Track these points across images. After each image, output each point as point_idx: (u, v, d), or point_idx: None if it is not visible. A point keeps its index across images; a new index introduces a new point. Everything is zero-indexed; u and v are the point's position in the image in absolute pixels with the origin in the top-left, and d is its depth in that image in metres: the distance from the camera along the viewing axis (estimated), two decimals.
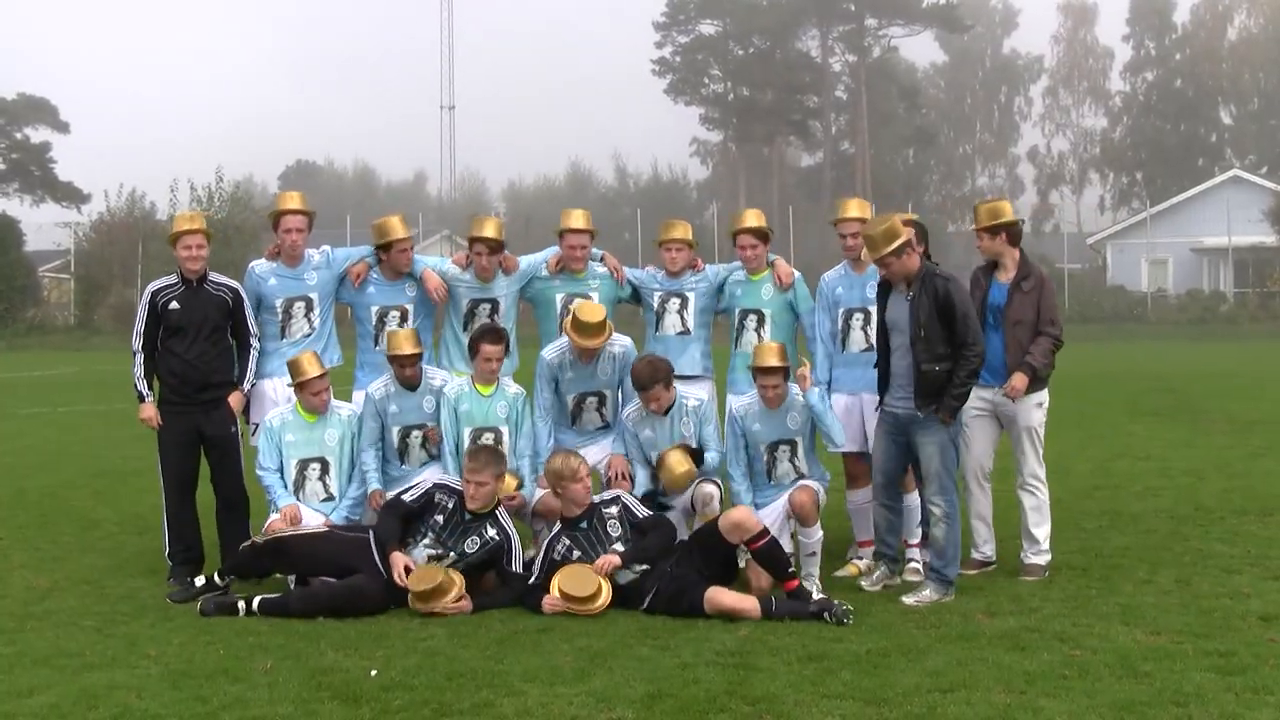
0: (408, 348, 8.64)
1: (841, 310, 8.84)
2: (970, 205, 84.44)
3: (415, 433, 8.78)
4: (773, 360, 8.40)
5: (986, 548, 8.69)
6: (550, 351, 8.85)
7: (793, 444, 8.52)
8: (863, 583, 8.24)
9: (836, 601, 7.46)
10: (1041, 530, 8.58)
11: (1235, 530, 9.85)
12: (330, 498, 8.68)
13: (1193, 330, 46.53)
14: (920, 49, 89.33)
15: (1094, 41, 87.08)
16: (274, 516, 8.43)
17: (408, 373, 8.67)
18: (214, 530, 8.95)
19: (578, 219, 9.21)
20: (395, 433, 8.78)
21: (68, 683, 6.32)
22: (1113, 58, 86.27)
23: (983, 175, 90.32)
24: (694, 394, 8.83)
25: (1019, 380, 8.38)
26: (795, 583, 7.77)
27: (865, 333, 8.72)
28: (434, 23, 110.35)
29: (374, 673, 6.39)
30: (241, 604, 7.67)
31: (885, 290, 8.12)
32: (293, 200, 9.21)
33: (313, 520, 8.40)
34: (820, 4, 75.67)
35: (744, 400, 8.67)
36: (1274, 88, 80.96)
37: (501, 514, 8.15)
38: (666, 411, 8.58)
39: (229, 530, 8.89)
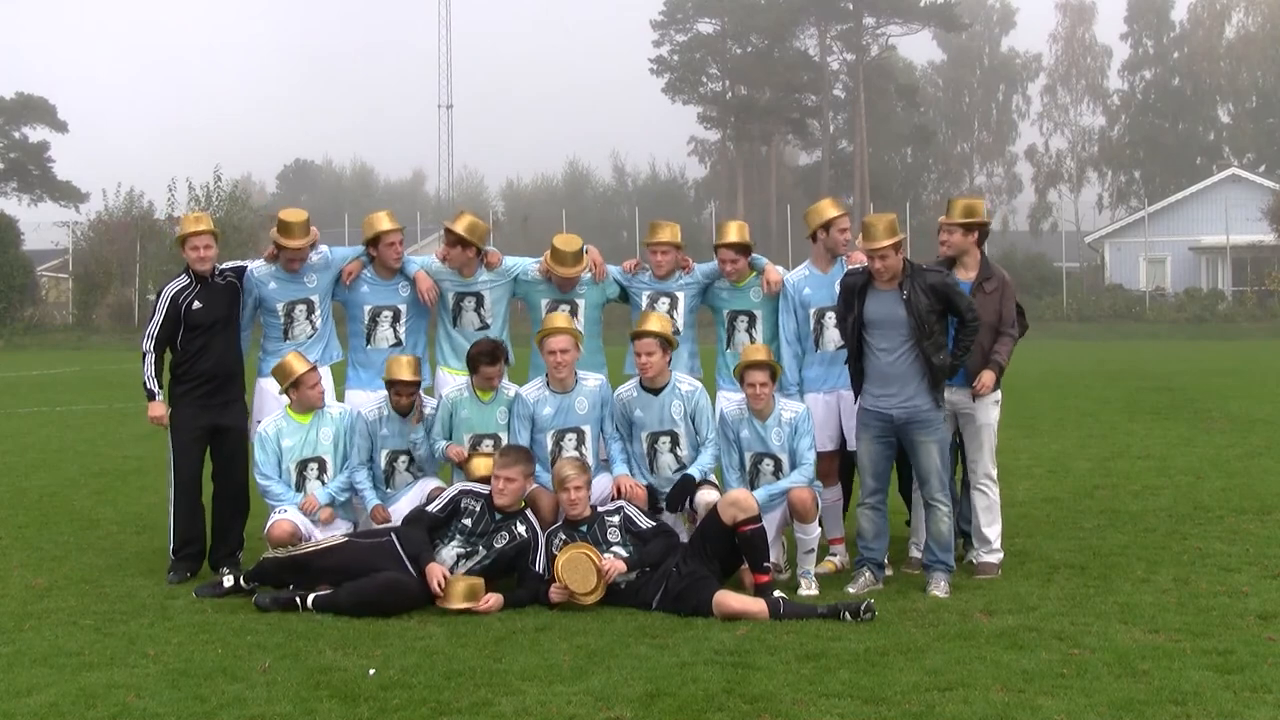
0: (406, 374, 8.61)
1: (813, 310, 8.83)
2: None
3: (402, 457, 8.78)
4: (760, 355, 8.40)
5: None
6: (528, 389, 8.72)
7: (776, 460, 8.49)
8: (849, 588, 8.23)
9: (857, 601, 7.46)
10: (993, 530, 8.62)
11: (1234, 529, 9.85)
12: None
13: (1191, 329, 46.59)
14: (918, 48, 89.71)
15: (1092, 40, 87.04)
16: (275, 518, 8.44)
17: (404, 401, 8.66)
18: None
19: (569, 262, 8.96)
20: (383, 455, 8.77)
21: (66, 682, 6.32)
22: (1111, 56, 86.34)
23: (981, 174, 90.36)
24: (688, 380, 8.77)
25: (988, 377, 8.44)
26: (767, 578, 7.79)
27: (839, 331, 8.72)
28: (432, 22, 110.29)
29: (372, 672, 6.39)
30: (297, 600, 7.80)
31: (858, 290, 8.13)
32: (296, 236, 8.89)
33: (304, 521, 8.48)
34: (818, 3, 75.69)
35: (735, 404, 8.64)
36: (1272, 86, 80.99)
37: (530, 513, 8.18)
38: (658, 392, 8.57)
39: (227, 526, 8.96)
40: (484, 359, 8.60)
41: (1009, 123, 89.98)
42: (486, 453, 8.54)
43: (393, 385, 8.64)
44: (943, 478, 8.19)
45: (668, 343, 8.55)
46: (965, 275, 8.61)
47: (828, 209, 8.91)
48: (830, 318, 8.73)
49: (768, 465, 8.51)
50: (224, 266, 9.04)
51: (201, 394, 8.85)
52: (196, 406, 8.85)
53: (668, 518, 8.48)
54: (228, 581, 8.21)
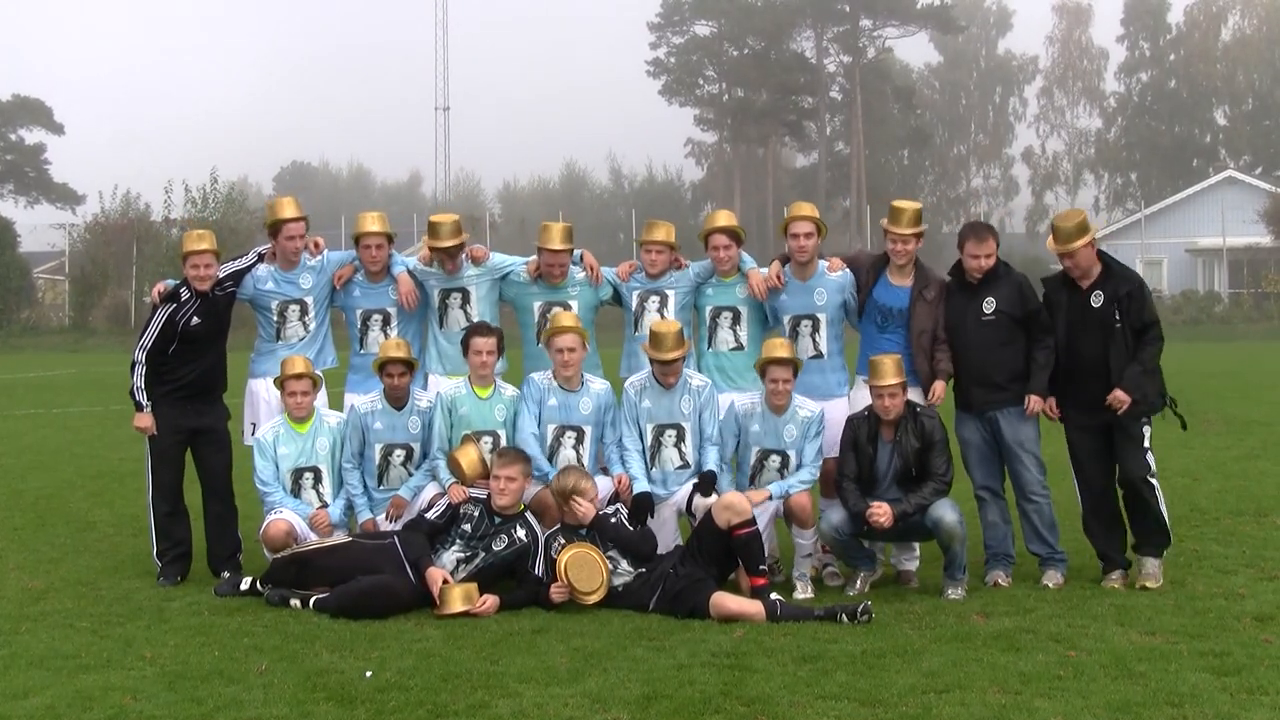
0: (394, 352, 8.60)
1: (788, 318, 8.79)
2: (964, 205, 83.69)
3: (398, 452, 8.72)
4: (782, 352, 8.35)
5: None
6: (539, 375, 8.70)
7: (784, 457, 8.48)
8: (849, 590, 8.24)
9: (854, 603, 7.47)
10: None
11: (1230, 531, 9.87)
12: (324, 505, 8.71)
13: (1187, 331, 46.54)
14: (915, 50, 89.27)
15: (1088, 42, 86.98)
16: (270, 518, 8.46)
17: (395, 383, 8.60)
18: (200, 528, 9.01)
19: (556, 239, 8.99)
20: (377, 450, 8.72)
21: (63, 684, 6.32)
22: (1107, 58, 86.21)
23: (977, 176, 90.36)
24: (699, 376, 8.74)
25: (939, 388, 8.45)
26: (764, 580, 7.80)
27: (814, 339, 8.71)
28: (429, 24, 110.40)
29: (369, 674, 6.39)
30: (296, 602, 7.83)
31: (866, 436, 8.18)
32: (290, 208, 9.13)
33: (299, 520, 8.51)
34: (815, 5, 75.68)
35: (748, 399, 8.60)
36: (1268, 88, 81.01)
37: (530, 517, 8.17)
38: (670, 386, 8.56)
39: (222, 528, 8.95)
40: (478, 330, 8.58)
41: (1006, 125, 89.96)
42: (474, 436, 8.50)
43: (385, 367, 8.57)
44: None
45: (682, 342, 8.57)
46: (903, 280, 8.59)
47: (793, 209, 8.81)
48: (805, 325, 8.73)
49: (774, 461, 8.48)
50: (224, 274, 9.00)
51: (182, 397, 8.85)
52: (176, 409, 8.84)
53: (667, 516, 8.49)
54: (244, 584, 8.23)
